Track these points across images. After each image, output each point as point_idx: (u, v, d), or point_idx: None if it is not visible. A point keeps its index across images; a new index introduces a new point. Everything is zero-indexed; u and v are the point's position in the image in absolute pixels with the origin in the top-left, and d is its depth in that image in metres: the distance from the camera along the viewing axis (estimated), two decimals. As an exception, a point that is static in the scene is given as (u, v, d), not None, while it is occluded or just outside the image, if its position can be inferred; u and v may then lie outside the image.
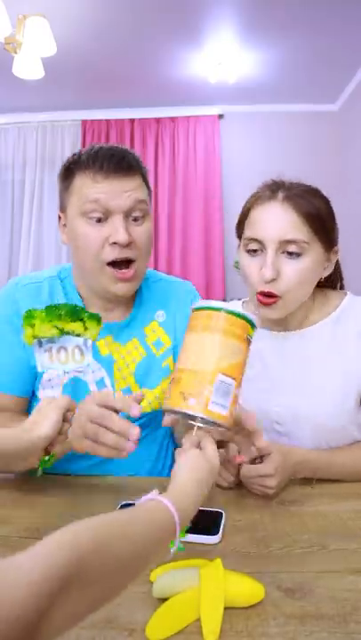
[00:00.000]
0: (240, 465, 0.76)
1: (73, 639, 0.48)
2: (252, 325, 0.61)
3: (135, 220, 0.88)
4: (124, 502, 0.73)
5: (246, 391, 0.89)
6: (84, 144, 4.28)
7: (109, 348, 0.93)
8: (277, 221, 0.79)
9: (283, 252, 0.80)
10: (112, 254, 0.85)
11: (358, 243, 2.70)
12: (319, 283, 0.90)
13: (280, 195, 0.81)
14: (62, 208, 0.91)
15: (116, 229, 0.84)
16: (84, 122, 4.28)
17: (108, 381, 0.77)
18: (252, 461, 0.75)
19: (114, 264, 0.86)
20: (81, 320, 0.61)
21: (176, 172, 4.28)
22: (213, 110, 4.24)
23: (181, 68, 3.54)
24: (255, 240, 0.82)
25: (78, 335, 0.60)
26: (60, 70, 3.29)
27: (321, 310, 0.92)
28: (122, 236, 0.83)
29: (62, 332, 0.60)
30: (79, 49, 3.21)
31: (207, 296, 4.23)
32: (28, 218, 4.25)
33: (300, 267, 0.80)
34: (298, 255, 0.80)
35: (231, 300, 1.06)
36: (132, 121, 4.28)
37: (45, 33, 2.37)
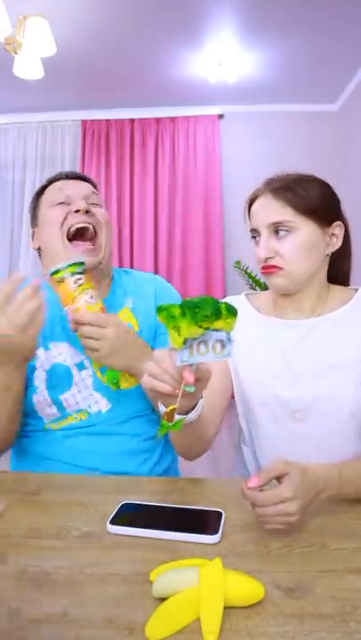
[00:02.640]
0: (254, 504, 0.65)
1: (73, 639, 0.48)
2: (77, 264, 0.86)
3: (92, 204, 1.04)
4: (124, 502, 0.73)
5: (265, 379, 0.92)
6: (84, 144, 4.28)
7: None
8: (265, 209, 0.91)
9: (276, 234, 0.90)
10: (71, 221, 0.99)
11: (359, 242, 2.70)
12: (332, 279, 0.97)
13: (269, 187, 0.92)
14: (34, 224, 1.09)
15: (78, 202, 1.00)
16: (84, 122, 4.28)
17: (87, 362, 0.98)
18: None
19: (76, 237, 1.00)
20: (222, 315, 0.59)
21: (176, 172, 4.28)
22: (213, 110, 4.24)
23: (181, 68, 3.54)
24: (254, 229, 0.94)
25: (219, 329, 0.60)
26: (60, 70, 3.29)
27: (337, 300, 0.95)
28: (82, 204, 1.00)
29: (205, 330, 0.60)
30: (79, 49, 3.21)
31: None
32: (28, 218, 4.25)
33: (292, 242, 0.89)
34: (287, 232, 0.89)
35: (238, 294, 1.09)
36: (132, 121, 4.28)
37: (45, 33, 2.37)
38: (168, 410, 0.64)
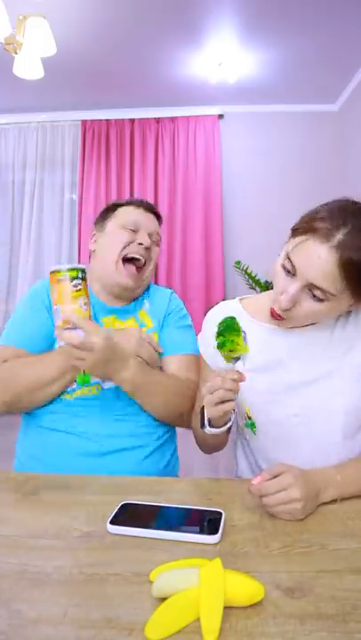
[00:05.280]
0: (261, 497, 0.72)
1: (73, 638, 0.48)
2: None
3: (153, 242, 1.19)
4: (124, 502, 0.73)
5: (260, 384, 0.91)
6: (84, 144, 4.28)
7: (112, 324, 1.17)
8: (318, 265, 0.76)
9: (309, 290, 0.80)
10: (132, 249, 1.14)
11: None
12: None
13: (336, 238, 0.75)
14: (99, 227, 1.21)
15: (143, 236, 1.15)
16: (84, 122, 4.28)
17: None
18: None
19: (129, 260, 1.14)
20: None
21: (176, 172, 4.28)
22: (213, 110, 4.23)
23: (181, 67, 3.54)
24: (292, 264, 0.81)
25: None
26: (60, 70, 3.29)
27: None
28: (147, 240, 1.15)
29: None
30: (79, 49, 3.21)
31: (207, 296, 4.23)
32: (28, 218, 4.25)
33: (317, 308, 0.81)
34: (320, 300, 0.80)
35: (232, 298, 1.07)
36: (132, 121, 4.28)
37: (45, 33, 2.37)
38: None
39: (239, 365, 0.79)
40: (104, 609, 0.52)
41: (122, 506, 0.72)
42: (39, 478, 0.85)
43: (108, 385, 1.06)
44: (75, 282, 0.91)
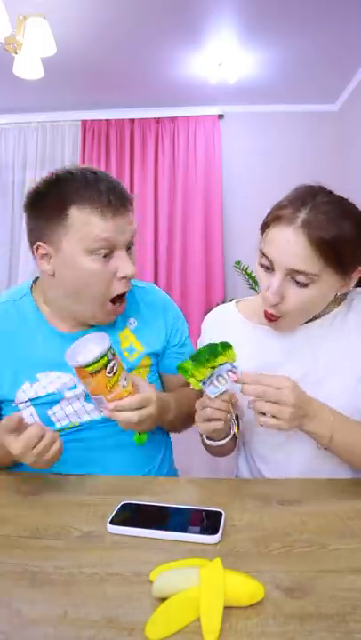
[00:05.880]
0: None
1: (73, 638, 0.48)
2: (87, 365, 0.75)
3: (128, 248, 0.89)
4: (124, 502, 0.73)
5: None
6: (84, 144, 4.28)
7: None
8: (289, 249, 0.77)
9: (291, 278, 0.80)
10: (119, 288, 0.88)
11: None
12: None
13: (300, 218, 0.77)
14: (45, 239, 0.86)
15: (124, 264, 0.86)
16: (84, 122, 4.28)
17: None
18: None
19: (114, 299, 0.90)
20: (220, 353, 0.76)
21: (176, 172, 4.28)
22: (213, 110, 4.24)
23: (181, 67, 3.54)
24: (267, 258, 0.81)
25: (224, 363, 0.77)
26: (60, 70, 3.30)
27: (334, 302, 0.92)
28: (131, 270, 0.87)
29: (213, 368, 0.77)
30: (79, 49, 3.21)
31: (207, 296, 4.23)
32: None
33: (305, 294, 0.80)
34: (305, 285, 0.79)
35: (231, 300, 1.06)
36: (132, 121, 4.28)
37: (45, 33, 2.37)
38: (236, 431, 0.85)
39: (229, 382, 0.78)
40: (104, 609, 0.52)
41: (122, 506, 0.72)
42: (39, 478, 0.85)
43: (86, 419, 0.95)
44: (109, 366, 0.77)
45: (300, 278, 0.78)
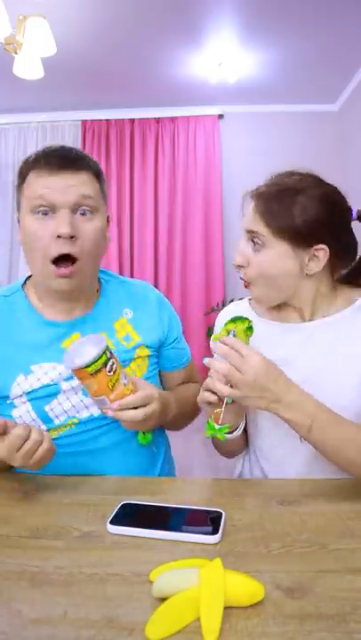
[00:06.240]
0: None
1: (73, 638, 0.48)
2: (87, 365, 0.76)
3: (83, 214, 0.89)
4: (124, 502, 0.73)
5: None
6: (84, 144, 4.28)
7: None
8: (247, 214, 0.90)
9: (251, 240, 0.89)
10: (56, 248, 0.86)
11: (359, 242, 2.70)
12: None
13: (256, 190, 0.91)
14: (18, 208, 0.95)
15: (60, 222, 0.85)
16: (84, 122, 4.28)
17: None
18: None
19: (56, 261, 0.87)
20: (236, 320, 0.83)
21: (176, 172, 4.28)
22: (213, 110, 4.24)
23: (181, 67, 3.54)
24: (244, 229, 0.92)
25: (231, 331, 0.83)
26: (60, 70, 3.30)
27: (344, 301, 0.93)
28: (64, 228, 0.85)
29: (228, 332, 0.82)
30: (79, 49, 3.21)
31: (207, 296, 4.23)
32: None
33: (260, 259, 0.87)
34: (260, 246, 0.87)
35: (231, 300, 1.07)
36: (132, 121, 4.28)
37: (45, 33, 2.37)
38: (216, 411, 0.81)
39: None
40: (104, 609, 0.52)
41: (122, 506, 0.72)
42: (39, 478, 0.85)
43: (84, 415, 0.94)
44: (109, 365, 0.77)
45: (256, 240, 0.87)
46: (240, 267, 0.90)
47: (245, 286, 0.93)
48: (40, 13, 2.36)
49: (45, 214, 0.87)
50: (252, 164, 4.17)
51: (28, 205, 0.88)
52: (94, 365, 0.75)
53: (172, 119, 4.28)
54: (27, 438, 0.75)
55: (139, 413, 0.82)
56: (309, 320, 0.93)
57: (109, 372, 0.77)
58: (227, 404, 0.80)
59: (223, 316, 1.05)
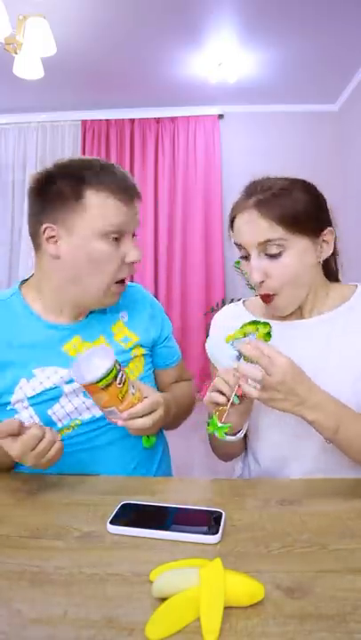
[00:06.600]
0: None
1: (73, 638, 0.48)
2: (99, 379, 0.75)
3: (133, 235, 0.94)
4: (124, 502, 0.73)
5: None
6: (84, 144, 4.28)
7: (78, 348, 0.95)
8: (251, 228, 0.85)
9: (266, 254, 0.85)
10: (126, 271, 0.92)
11: (358, 242, 2.70)
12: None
13: (252, 201, 0.85)
14: (55, 221, 0.87)
15: (132, 249, 0.91)
16: (84, 122, 4.29)
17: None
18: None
19: (117, 281, 0.92)
20: (253, 323, 0.80)
21: (176, 172, 4.29)
22: (213, 110, 4.24)
23: (181, 67, 3.54)
24: (240, 246, 0.89)
25: (250, 334, 0.80)
26: (60, 70, 3.30)
27: (337, 298, 0.94)
28: (138, 256, 0.91)
29: (245, 335, 0.80)
30: (79, 49, 3.21)
31: (207, 296, 4.23)
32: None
33: (284, 264, 0.85)
34: (279, 254, 0.84)
35: (232, 300, 1.08)
36: (132, 121, 4.29)
37: (45, 33, 2.37)
38: (221, 409, 0.80)
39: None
40: (104, 609, 0.52)
41: (122, 506, 0.72)
42: (39, 478, 0.85)
43: (87, 416, 0.94)
44: (119, 377, 0.77)
45: (273, 249, 0.84)
46: (260, 282, 0.87)
47: (267, 302, 0.89)
48: (40, 13, 2.36)
49: (115, 240, 0.89)
50: (252, 164, 4.14)
51: (99, 228, 0.86)
52: (105, 380, 0.75)
53: (172, 119, 4.28)
54: (42, 438, 0.76)
55: (147, 421, 0.82)
56: (307, 317, 0.94)
57: (119, 383, 0.77)
58: (233, 404, 0.79)
59: (221, 318, 1.06)
